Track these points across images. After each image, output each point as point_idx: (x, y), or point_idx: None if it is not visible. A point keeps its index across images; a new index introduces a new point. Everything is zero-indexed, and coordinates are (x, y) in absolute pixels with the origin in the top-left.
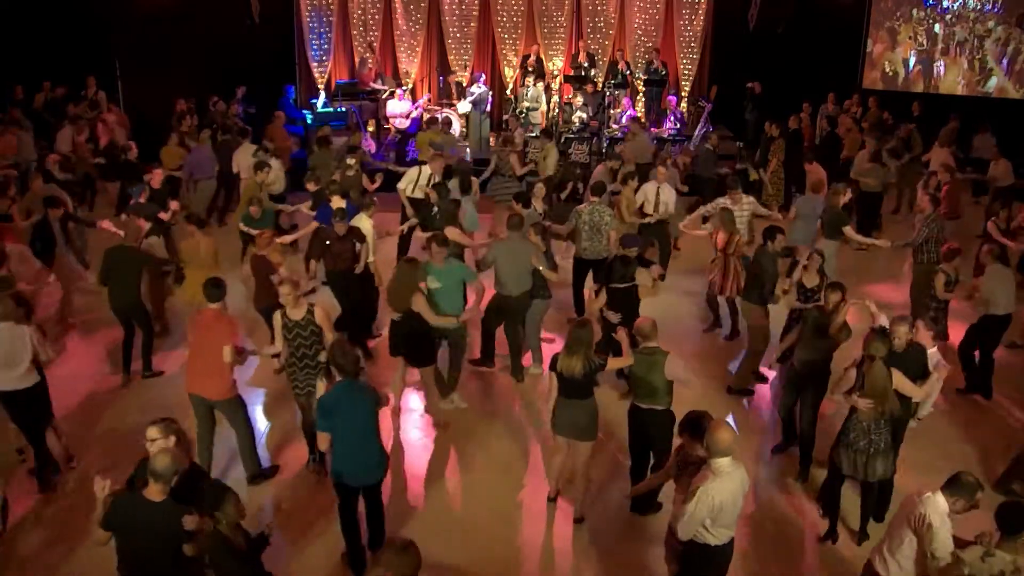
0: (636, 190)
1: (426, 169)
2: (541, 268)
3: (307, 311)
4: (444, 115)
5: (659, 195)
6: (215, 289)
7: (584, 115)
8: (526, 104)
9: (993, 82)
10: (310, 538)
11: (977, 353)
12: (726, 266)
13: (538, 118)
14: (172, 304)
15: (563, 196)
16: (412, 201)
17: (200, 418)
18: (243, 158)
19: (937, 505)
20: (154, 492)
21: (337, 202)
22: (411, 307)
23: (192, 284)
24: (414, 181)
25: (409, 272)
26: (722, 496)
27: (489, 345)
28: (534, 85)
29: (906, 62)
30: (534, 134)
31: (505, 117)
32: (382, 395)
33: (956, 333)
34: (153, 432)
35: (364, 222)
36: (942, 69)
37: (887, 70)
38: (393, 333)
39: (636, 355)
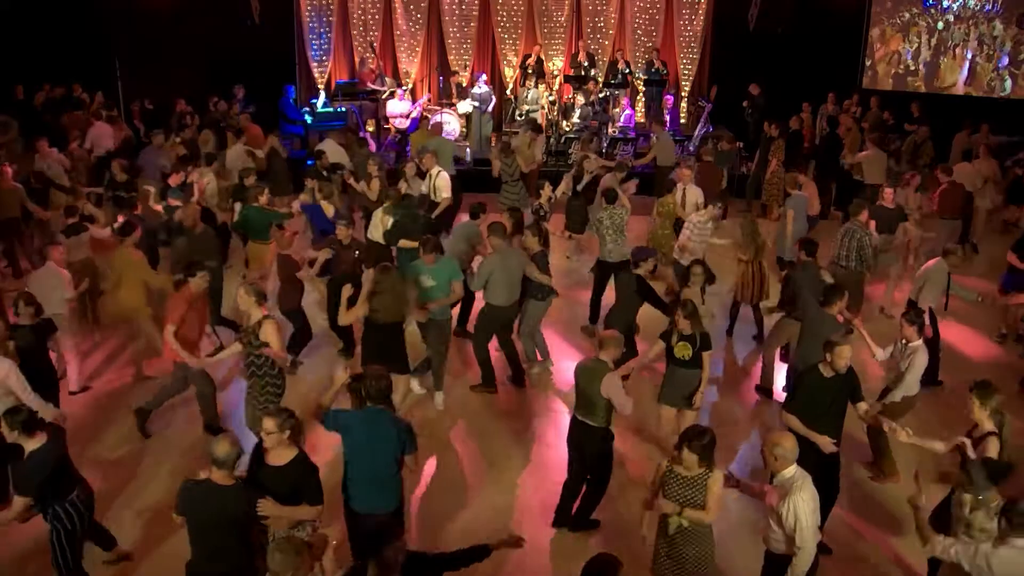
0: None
1: (442, 174)
2: (536, 274)
3: (259, 321)
4: (436, 118)
5: (686, 196)
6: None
7: (585, 115)
8: (526, 107)
9: (1006, 83)
10: None
11: None
12: (745, 274)
13: (539, 119)
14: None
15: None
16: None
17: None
18: (232, 157)
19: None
20: (219, 477)
21: (327, 208)
22: (404, 316)
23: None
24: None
25: (398, 281)
26: (814, 503)
27: (488, 369)
28: (535, 87)
29: (906, 62)
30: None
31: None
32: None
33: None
34: (269, 424)
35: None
36: (942, 69)
37: (887, 70)
38: (370, 341)
39: (580, 364)
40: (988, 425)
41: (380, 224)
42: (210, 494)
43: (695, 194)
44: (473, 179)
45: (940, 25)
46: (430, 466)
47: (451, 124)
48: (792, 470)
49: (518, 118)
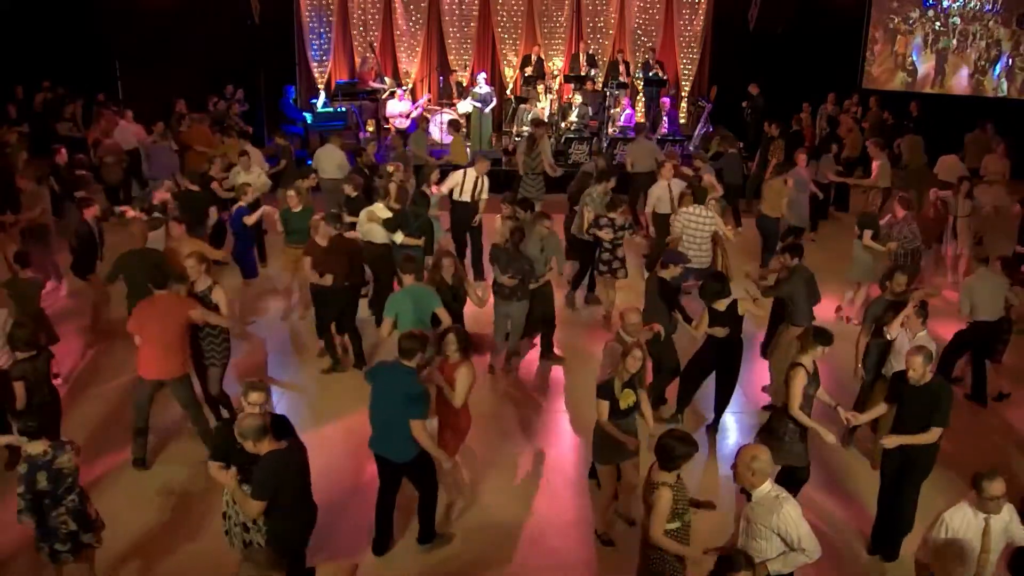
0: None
1: (471, 172)
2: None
3: (209, 286)
4: (436, 118)
5: (671, 191)
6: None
7: (584, 115)
8: (525, 128)
9: (1004, 83)
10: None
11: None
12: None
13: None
14: None
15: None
16: (457, 204)
17: (146, 400)
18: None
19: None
20: (268, 445)
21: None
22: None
23: None
24: (460, 184)
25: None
26: (799, 509)
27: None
28: (533, 106)
29: (906, 62)
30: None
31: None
32: (426, 395)
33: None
34: (255, 397)
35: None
36: (942, 69)
37: (887, 70)
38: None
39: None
40: (803, 359)
41: (366, 218)
42: (285, 459)
43: (679, 189)
44: None
45: (940, 25)
46: None
47: None
48: (768, 484)
49: (516, 138)
